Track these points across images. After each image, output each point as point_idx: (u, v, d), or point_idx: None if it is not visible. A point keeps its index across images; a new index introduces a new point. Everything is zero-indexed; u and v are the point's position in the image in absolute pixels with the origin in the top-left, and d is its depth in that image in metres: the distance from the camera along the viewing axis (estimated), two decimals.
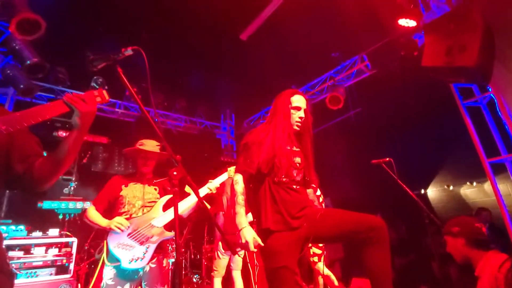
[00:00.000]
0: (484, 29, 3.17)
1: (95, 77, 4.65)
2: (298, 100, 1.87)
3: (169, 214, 2.38)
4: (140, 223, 2.34)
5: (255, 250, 1.63)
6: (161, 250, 2.38)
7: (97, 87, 4.39)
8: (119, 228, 2.25)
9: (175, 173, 1.13)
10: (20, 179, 1.10)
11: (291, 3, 3.95)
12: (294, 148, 1.85)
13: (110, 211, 2.43)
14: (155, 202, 2.48)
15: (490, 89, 3.85)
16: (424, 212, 2.50)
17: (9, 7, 2.64)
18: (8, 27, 3.06)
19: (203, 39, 4.53)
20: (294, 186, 1.78)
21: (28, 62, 2.99)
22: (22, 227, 3.01)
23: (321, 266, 3.13)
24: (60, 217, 3.66)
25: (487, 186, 6.70)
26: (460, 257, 1.86)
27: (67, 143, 1.13)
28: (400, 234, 6.40)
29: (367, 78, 5.04)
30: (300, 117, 1.84)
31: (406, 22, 3.75)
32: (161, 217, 2.38)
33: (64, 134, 4.12)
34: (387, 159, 2.52)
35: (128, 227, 2.29)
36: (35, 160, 1.13)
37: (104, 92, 1.24)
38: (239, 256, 3.40)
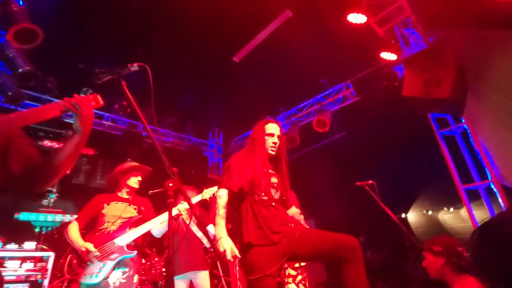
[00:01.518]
0: (456, 66, 3.49)
1: (84, 89, 4.65)
2: (272, 128, 2.06)
3: (133, 233, 2.49)
4: (107, 241, 2.42)
5: (232, 260, 1.71)
6: (132, 266, 2.46)
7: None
8: (83, 254, 2.34)
9: (170, 184, 1.17)
10: (16, 181, 1.10)
11: (284, 31, 4.21)
12: (270, 171, 2.03)
13: (92, 226, 2.53)
14: None
15: (463, 120, 4.16)
16: (405, 235, 2.59)
17: (8, 16, 2.68)
18: (3, 35, 3.08)
19: (196, 58, 4.68)
20: (273, 204, 1.92)
21: (21, 70, 2.98)
22: None
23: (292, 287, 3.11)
24: (37, 230, 3.49)
25: (464, 212, 6.98)
26: (435, 274, 1.93)
27: (68, 147, 1.15)
28: (382, 258, 6.47)
29: (352, 104, 5.30)
30: (274, 142, 2.02)
31: (388, 55, 4.07)
32: (124, 236, 2.46)
33: (49, 143, 4.03)
34: (370, 181, 2.64)
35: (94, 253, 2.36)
36: (32, 161, 1.14)
37: (99, 96, 1.26)
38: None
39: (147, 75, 1.31)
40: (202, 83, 5.37)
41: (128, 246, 2.45)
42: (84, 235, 2.47)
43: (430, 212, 7.99)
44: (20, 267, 2.84)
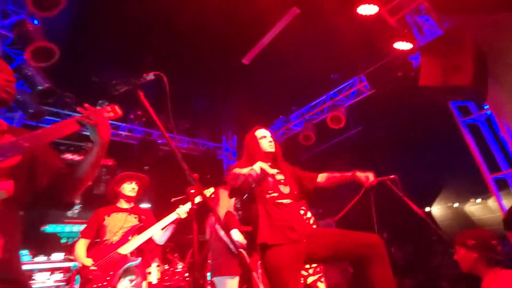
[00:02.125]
0: (475, 50, 3.33)
1: (100, 101, 4.77)
2: (262, 132, 2.12)
3: (135, 241, 2.53)
4: (110, 252, 2.47)
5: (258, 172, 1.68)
6: (139, 274, 2.53)
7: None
8: (80, 270, 2.41)
9: (192, 191, 1.16)
10: (44, 194, 1.13)
11: (292, 29, 4.16)
12: (274, 170, 2.02)
13: (97, 239, 2.63)
14: None
15: (487, 107, 3.97)
16: (432, 229, 2.49)
17: (24, 36, 2.78)
18: (20, 54, 3.21)
19: (206, 62, 4.70)
20: (285, 201, 1.88)
21: (40, 87, 3.09)
22: (25, 251, 2.97)
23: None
24: (63, 241, 3.61)
25: (491, 202, 6.66)
26: (467, 268, 1.85)
27: (89, 158, 1.17)
28: (407, 254, 6.27)
29: (367, 98, 5.18)
30: (269, 141, 2.06)
31: (401, 45, 3.94)
32: (126, 245, 2.50)
33: (70, 156, 4.16)
34: (392, 176, 2.55)
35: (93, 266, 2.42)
36: (58, 174, 1.17)
37: (117, 107, 1.28)
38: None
39: (159, 83, 1.32)
40: (213, 87, 5.39)
41: (132, 254, 2.49)
42: (91, 249, 2.55)
43: (456, 205, 7.69)
44: (49, 278, 2.93)
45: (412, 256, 6.06)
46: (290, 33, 4.19)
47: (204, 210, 2.70)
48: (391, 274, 1.63)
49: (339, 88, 5.46)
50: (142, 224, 2.68)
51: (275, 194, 1.88)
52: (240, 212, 3.33)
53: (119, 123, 5.97)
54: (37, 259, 3.04)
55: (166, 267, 3.95)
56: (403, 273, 5.42)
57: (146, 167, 6.32)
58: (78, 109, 1.18)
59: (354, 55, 4.36)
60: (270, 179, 1.90)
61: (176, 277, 4.01)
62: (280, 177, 1.98)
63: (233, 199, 3.13)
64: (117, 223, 2.60)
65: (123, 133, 6.03)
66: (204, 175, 6.77)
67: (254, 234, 1.87)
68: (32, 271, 2.92)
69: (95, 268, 2.37)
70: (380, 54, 4.42)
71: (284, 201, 1.88)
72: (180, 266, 4.08)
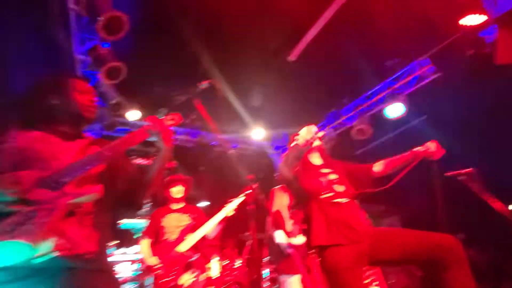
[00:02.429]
0: None
1: (159, 109, 5.25)
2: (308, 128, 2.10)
3: (191, 239, 2.79)
4: (171, 249, 2.76)
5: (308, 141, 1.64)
6: (197, 268, 2.80)
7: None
8: (150, 268, 2.72)
9: (249, 191, 1.21)
10: (122, 197, 1.32)
11: (339, 17, 3.97)
12: (324, 170, 1.97)
13: (157, 237, 2.96)
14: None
15: None
16: None
17: (98, 59, 3.22)
18: (95, 75, 3.73)
19: (254, 61, 4.76)
20: (342, 200, 1.80)
21: (113, 101, 3.56)
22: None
23: None
24: (135, 236, 4.08)
25: None
26: None
27: (156, 164, 1.34)
28: (489, 258, 5.49)
29: (431, 83, 4.67)
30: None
31: (470, 19, 3.45)
32: (184, 243, 2.77)
33: (139, 161, 4.68)
34: (468, 169, 2.26)
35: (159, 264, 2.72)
36: (133, 179, 1.35)
37: (178, 115, 1.42)
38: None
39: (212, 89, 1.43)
40: (261, 84, 5.45)
41: (189, 250, 2.76)
42: (154, 246, 2.87)
43: None
44: (128, 268, 3.36)
45: (495, 260, 5.29)
46: (337, 21, 4.00)
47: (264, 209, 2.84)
48: (473, 281, 1.44)
49: (398, 74, 5.03)
50: (194, 222, 2.94)
51: (330, 194, 1.82)
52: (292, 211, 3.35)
53: (177, 128, 6.49)
54: (118, 251, 3.50)
55: (226, 262, 4.14)
56: (485, 281, 4.77)
57: (202, 167, 6.75)
58: (145, 120, 1.33)
59: (413, 37, 3.97)
60: (322, 179, 1.86)
61: (235, 272, 4.19)
62: (333, 176, 1.92)
63: (287, 198, 3.15)
64: (172, 223, 2.91)
65: (180, 137, 6.53)
66: (258, 174, 6.93)
67: (309, 236, 1.86)
68: (116, 261, 3.38)
69: (160, 266, 2.68)
70: (444, 33, 3.94)
71: (341, 200, 1.82)
72: (238, 262, 4.24)
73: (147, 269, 2.72)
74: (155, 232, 2.94)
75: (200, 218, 3.01)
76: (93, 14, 2.80)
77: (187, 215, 3.00)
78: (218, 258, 3.91)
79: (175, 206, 3.06)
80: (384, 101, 5.26)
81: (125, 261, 3.42)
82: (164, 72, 4.33)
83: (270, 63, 4.87)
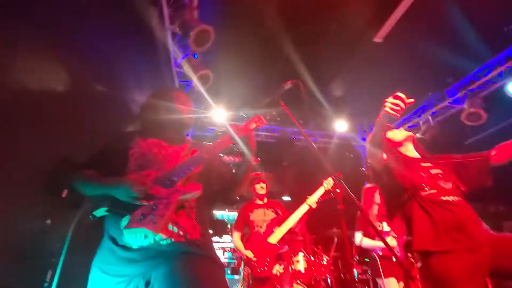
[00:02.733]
0: None
1: (241, 113, 5.62)
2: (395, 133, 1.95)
3: (279, 231, 2.95)
4: (261, 241, 2.96)
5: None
6: (286, 260, 2.95)
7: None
8: (246, 260, 2.95)
9: (338, 190, 1.20)
10: (218, 193, 1.51)
11: None
12: (424, 164, 1.77)
13: (247, 231, 3.23)
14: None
15: None
16: None
17: (192, 69, 3.67)
18: (188, 83, 4.25)
19: (337, 50, 4.55)
20: (450, 198, 1.59)
21: (203, 106, 4.02)
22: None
23: None
24: (229, 226, 4.51)
25: None
26: None
27: (243, 164, 1.50)
28: None
29: None
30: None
31: None
32: (273, 235, 2.94)
33: (228, 158, 5.18)
34: None
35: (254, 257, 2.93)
36: (226, 178, 1.54)
37: (262, 117, 1.55)
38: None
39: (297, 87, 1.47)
40: (345, 72, 5.15)
41: (278, 242, 2.91)
42: (245, 238, 3.14)
43: None
44: (223, 255, 3.75)
45: None
46: None
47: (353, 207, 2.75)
48: None
49: None
50: (279, 216, 3.14)
51: (434, 191, 1.61)
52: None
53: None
54: (213, 239, 3.95)
55: (312, 258, 4.15)
56: None
57: (285, 162, 6.88)
58: (231, 126, 1.49)
59: None
60: (422, 174, 1.67)
61: (322, 269, 4.15)
62: (436, 171, 1.70)
63: (377, 197, 2.97)
64: (260, 217, 3.15)
65: (263, 133, 6.80)
66: (342, 168, 6.64)
67: (409, 239, 1.69)
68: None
69: (255, 259, 2.91)
70: None
71: (450, 198, 1.59)
72: (325, 259, 4.19)
73: (246, 262, 2.99)
74: (243, 226, 3.23)
75: (284, 212, 3.20)
76: (184, 31, 3.20)
77: (271, 209, 3.22)
78: (303, 253, 3.97)
79: (259, 202, 3.31)
80: (503, 77, 4.26)
81: (218, 248, 3.81)
82: (248, 73, 4.60)
83: (354, 47, 4.56)
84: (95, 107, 2.21)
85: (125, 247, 1.16)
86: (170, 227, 1.19)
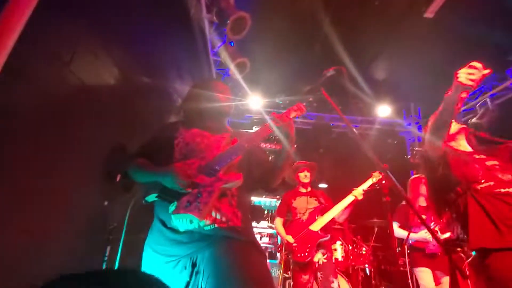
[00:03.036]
0: None
1: (278, 96, 5.56)
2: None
3: (322, 220, 2.99)
4: (303, 228, 3.00)
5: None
6: (328, 249, 3.01)
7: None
8: (287, 245, 3.03)
9: (384, 182, 1.16)
10: (258, 181, 1.55)
11: None
12: (477, 156, 1.65)
13: (289, 217, 3.31)
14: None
15: None
16: None
17: (229, 57, 3.71)
18: (224, 71, 4.31)
19: (381, 24, 4.24)
20: (510, 190, 1.47)
21: (240, 93, 4.07)
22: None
23: None
24: (265, 212, 4.62)
25: None
26: None
27: (282, 153, 1.49)
28: None
29: None
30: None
31: None
32: (315, 223, 2.99)
33: (268, 146, 5.27)
34: None
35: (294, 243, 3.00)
36: (265, 166, 1.56)
37: (302, 105, 1.50)
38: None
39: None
40: (390, 51, 4.80)
41: (321, 230, 2.96)
42: (286, 224, 3.21)
43: None
44: (260, 240, 3.87)
45: None
46: None
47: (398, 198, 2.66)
48: None
49: None
50: (323, 205, 3.15)
51: (491, 183, 1.50)
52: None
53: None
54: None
55: (350, 247, 4.11)
56: None
57: (321, 150, 6.74)
58: (270, 115, 1.49)
59: None
60: (476, 165, 1.56)
61: (361, 259, 4.10)
62: (492, 162, 1.58)
63: (423, 188, 2.81)
64: (302, 205, 3.19)
65: (299, 120, 6.69)
66: (384, 156, 6.31)
67: (462, 235, 1.58)
68: None
69: (296, 244, 2.98)
70: None
71: (510, 190, 1.47)
72: (364, 249, 4.13)
73: (286, 246, 3.08)
74: (285, 212, 3.30)
75: (327, 201, 3.23)
76: (221, 19, 3.22)
77: (314, 198, 3.26)
78: (341, 242, 3.95)
79: (302, 190, 3.34)
80: None
81: (255, 234, 3.95)
82: (284, 60, 4.52)
83: (400, 24, 4.21)
84: (143, 99, 2.37)
85: (173, 230, 1.27)
86: (213, 213, 1.26)
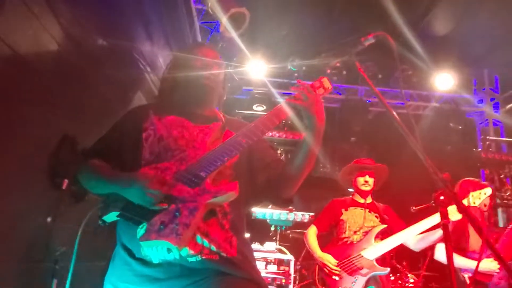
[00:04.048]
0: None
1: (290, 60, 5.55)
2: None
3: (382, 246, 2.92)
4: (351, 252, 2.98)
5: None
6: (383, 286, 2.98)
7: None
8: (325, 267, 3.00)
9: (441, 197, 1.18)
10: (263, 191, 1.55)
11: None
12: None
13: (330, 234, 3.27)
14: None
15: None
16: None
17: (220, 5, 3.70)
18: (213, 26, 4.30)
19: None
20: None
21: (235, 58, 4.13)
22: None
23: None
24: (272, 228, 4.69)
25: None
26: None
27: (302, 151, 1.44)
28: None
29: None
30: None
31: None
32: (372, 249, 2.93)
33: (277, 134, 5.34)
34: None
35: (336, 266, 2.99)
36: (275, 166, 1.54)
37: (324, 80, 1.43)
38: None
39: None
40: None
41: (377, 260, 2.92)
42: (325, 243, 3.16)
43: None
44: (266, 268, 3.94)
45: None
46: None
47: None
48: None
49: None
50: (386, 226, 3.11)
51: None
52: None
53: None
54: (252, 246, 4.16)
55: (392, 277, 4.21)
56: None
57: (352, 138, 6.73)
58: (291, 88, 1.44)
59: None
60: None
61: None
62: None
63: (486, 198, 2.82)
64: (357, 220, 3.16)
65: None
66: (442, 146, 6.25)
67: None
68: None
69: (338, 271, 2.95)
70: None
71: None
72: (411, 279, 4.23)
73: (321, 267, 3.05)
74: (328, 225, 3.28)
75: (395, 223, 3.17)
76: None
77: (375, 214, 3.21)
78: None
79: (360, 199, 3.31)
80: None
81: (259, 260, 3.99)
82: (296, 10, 4.46)
83: None
84: (98, 69, 2.37)
85: (143, 261, 1.30)
86: (199, 239, 1.30)
